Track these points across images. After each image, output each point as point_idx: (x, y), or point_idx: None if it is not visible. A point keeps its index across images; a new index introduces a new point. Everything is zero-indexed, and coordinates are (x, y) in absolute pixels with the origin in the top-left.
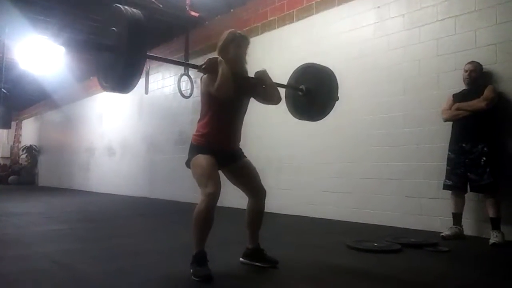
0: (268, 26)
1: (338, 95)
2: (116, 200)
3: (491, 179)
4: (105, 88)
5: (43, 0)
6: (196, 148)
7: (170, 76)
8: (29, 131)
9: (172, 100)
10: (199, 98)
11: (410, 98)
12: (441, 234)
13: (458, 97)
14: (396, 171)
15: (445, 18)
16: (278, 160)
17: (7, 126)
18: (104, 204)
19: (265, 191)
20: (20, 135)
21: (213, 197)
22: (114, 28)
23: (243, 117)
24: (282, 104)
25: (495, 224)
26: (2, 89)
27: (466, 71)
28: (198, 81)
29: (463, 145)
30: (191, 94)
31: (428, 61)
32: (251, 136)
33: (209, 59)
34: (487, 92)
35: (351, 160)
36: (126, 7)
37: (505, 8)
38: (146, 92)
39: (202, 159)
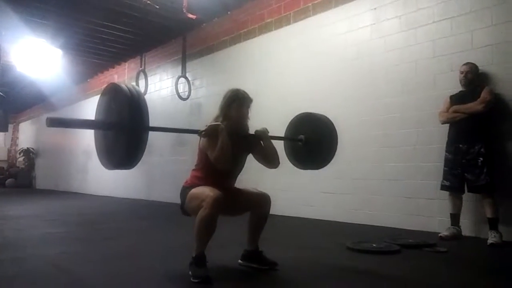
0: (265, 28)
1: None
2: (114, 202)
3: (488, 180)
4: (108, 167)
5: (40, 2)
6: (188, 188)
7: (168, 78)
8: (26, 134)
9: (169, 102)
10: (196, 100)
11: (407, 99)
12: (439, 234)
13: (455, 99)
14: (394, 172)
15: (442, 20)
16: None
17: (4, 129)
18: (101, 206)
19: (268, 196)
20: (17, 138)
21: (216, 202)
22: (112, 105)
23: (239, 173)
24: (281, 106)
25: (493, 224)
26: None
27: (462, 72)
28: (196, 83)
29: (460, 145)
30: (188, 96)
31: (424, 62)
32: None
33: (210, 125)
34: (484, 94)
35: (349, 161)
36: (123, 84)
37: (501, 9)
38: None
39: (197, 188)
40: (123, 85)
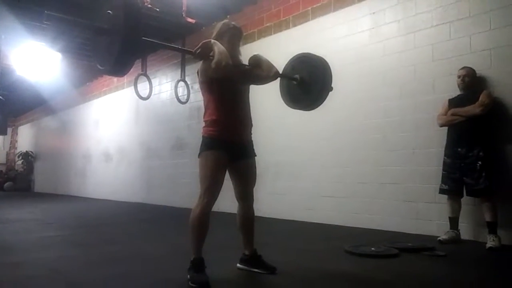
0: (265, 32)
1: (332, 85)
2: (113, 206)
3: (487, 183)
4: (102, 71)
5: (39, 6)
6: (208, 141)
7: (167, 82)
8: (25, 137)
9: (168, 105)
10: (195, 104)
11: (406, 103)
12: (438, 238)
13: (454, 102)
14: (393, 175)
15: (440, 24)
16: (276, 165)
17: (3, 132)
18: (100, 210)
19: (252, 199)
20: (16, 141)
21: (207, 205)
22: (109, 11)
23: (248, 101)
24: (280, 108)
25: (492, 228)
26: None
27: (459, 76)
28: (195, 86)
29: (459, 149)
30: (187, 99)
31: (423, 66)
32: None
33: (203, 42)
34: (483, 98)
35: (348, 165)
36: None
37: (499, 13)
38: (148, 98)
39: (210, 159)
40: None
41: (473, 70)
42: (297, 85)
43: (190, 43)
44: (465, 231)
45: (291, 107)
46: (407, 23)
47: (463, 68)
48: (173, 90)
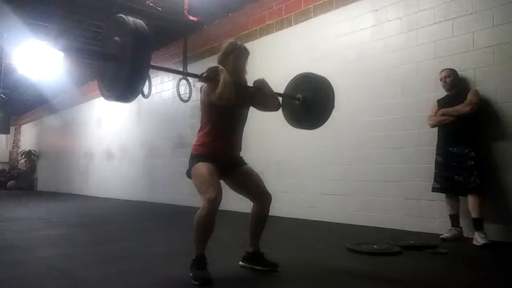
0: (266, 30)
1: (334, 103)
2: (115, 204)
3: (477, 182)
4: (108, 98)
5: (42, 5)
6: (196, 156)
7: (169, 80)
8: (28, 136)
9: (170, 104)
10: (198, 102)
11: (408, 100)
12: (441, 236)
13: (442, 103)
14: (395, 173)
15: (443, 21)
16: (277, 163)
17: (5, 131)
18: (103, 208)
19: (270, 195)
20: (19, 140)
21: (214, 202)
22: (117, 38)
23: (243, 127)
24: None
25: (479, 224)
26: (1, 94)
27: (441, 79)
28: (197, 85)
29: (450, 149)
30: (189, 98)
31: (426, 64)
32: (250, 140)
33: (210, 67)
34: (471, 96)
35: (350, 163)
36: (129, 17)
37: (502, 10)
38: (147, 96)
39: (202, 167)
40: (129, 19)
41: (454, 70)
42: (299, 105)
43: (192, 41)
44: (468, 229)
45: (294, 126)
46: (409, 20)
47: (443, 70)
48: (175, 89)
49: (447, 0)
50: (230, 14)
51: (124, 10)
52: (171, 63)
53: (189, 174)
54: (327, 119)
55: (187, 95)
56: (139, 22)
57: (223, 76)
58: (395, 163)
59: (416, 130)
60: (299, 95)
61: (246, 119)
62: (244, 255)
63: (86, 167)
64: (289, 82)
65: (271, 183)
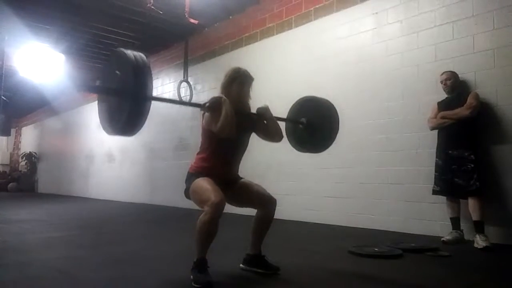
0: (267, 33)
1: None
2: (116, 206)
3: (477, 185)
4: (110, 133)
5: (43, 7)
6: (194, 174)
7: (170, 82)
8: (29, 138)
9: (171, 106)
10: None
11: (409, 103)
12: (442, 239)
13: (442, 105)
14: (396, 176)
15: (443, 24)
16: (278, 165)
17: (6, 133)
18: (104, 210)
19: (274, 199)
20: (20, 142)
21: (217, 207)
22: (117, 72)
23: (243, 153)
24: (283, 110)
25: (480, 227)
26: (2, 96)
27: (441, 81)
28: (198, 87)
29: (449, 151)
30: (190, 100)
31: (426, 66)
32: (251, 142)
33: (213, 97)
34: (471, 100)
35: (351, 165)
36: (129, 51)
37: (503, 13)
38: None
39: (201, 180)
40: (129, 52)
41: (454, 73)
42: (304, 129)
43: (192, 44)
44: (470, 232)
45: (299, 150)
46: (410, 23)
47: (444, 72)
48: (176, 91)
49: (447, 3)
50: (230, 17)
51: (125, 13)
52: (172, 66)
53: (187, 193)
54: (332, 143)
55: (188, 97)
56: (139, 55)
57: (225, 109)
58: (396, 165)
59: (416, 132)
60: (303, 119)
61: (247, 146)
62: (245, 258)
63: (87, 169)
64: (293, 106)
65: (272, 186)
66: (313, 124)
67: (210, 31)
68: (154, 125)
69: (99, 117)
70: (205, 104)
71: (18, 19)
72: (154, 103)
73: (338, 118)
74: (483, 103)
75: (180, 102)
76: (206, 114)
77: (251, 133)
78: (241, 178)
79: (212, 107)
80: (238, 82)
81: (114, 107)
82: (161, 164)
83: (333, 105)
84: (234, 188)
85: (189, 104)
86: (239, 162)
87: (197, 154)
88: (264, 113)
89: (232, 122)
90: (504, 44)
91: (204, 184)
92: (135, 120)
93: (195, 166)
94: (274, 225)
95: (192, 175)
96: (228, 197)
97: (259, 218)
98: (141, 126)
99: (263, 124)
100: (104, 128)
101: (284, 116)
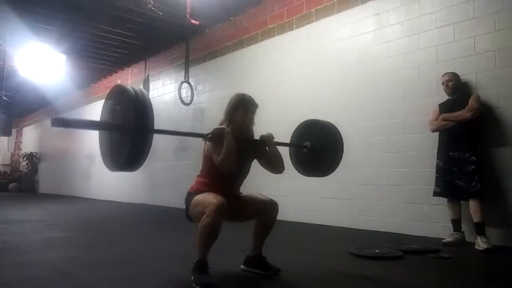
0: (268, 34)
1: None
2: (117, 207)
3: (478, 187)
4: (112, 169)
5: (44, 8)
6: (194, 192)
7: (171, 83)
8: (30, 138)
9: (172, 107)
10: (199, 105)
11: (410, 105)
12: (443, 240)
13: (444, 107)
14: (397, 177)
15: (444, 25)
16: None
17: (7, 133)
18: (104, 211)
19: (275, 203)
20: (21, 142)
21: (219, 209)
22: (118, 107)
23: (244, 179)
24: (284, 111)
25: (481, 229)
26: (3, 97)
27: (443, 83)
28: (199, 88)
29: (451, 153)
30: (191, 101)
31: (427, 68)
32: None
33: (216, 129)
34: (472, 102)
35: (352, 167)
36: (129, 86)
37: (504, 14)
38: None
39: (201, 195)
40: (128, 87)
41: (456, 74)
42: (308, 153)
43: (193, 45)
44: (471, 233)
45: (302, 174)
46: (411, 24)
47: (446, 74)
48: (177, 92)
49: (448, 5)
50: (232, 18)
51: (126, 13)
52: (173, 66)
53: (188, 213)
54: (337, 167)
55: (189, 98)
56: (139, 90)
57: (227, 143)
58: (397, 167)
59: (417, 134)
60: (307, 143)
61: (248, 172)
62: (245, 259)
63: (87, 170)
64: (296, 129)
65: (272, 186)
66: (318, 148)
67: (211, 32)
68: (155, 126)
69: (101, 153)
70: (207, 135)
71: (19, 20)
72: (153, 105)
73: (342, 141)
74: (484, 104)
75: (184, 133)
76: (208, 143)
77: (253, 159)
78: (240, 192)
79: (214, 139)
80: (242, 109)
81: (115, 143)
82: (162, 165)
83: (337, 128)
84: (234, 204)
85: (191, 134)
86: (239, 186)
87: (197, 176)
88: (267, 140)
89: (233, 158)
90: (505, 45)
91: (204, 195)
92: (137, 155)
93: (195, 188)
94: (275, 226)
95: (191, 194)
96: (230, 215)
97: (261, 222)
98: (143, 161)
99: (266, 152)
100: (106, 165)
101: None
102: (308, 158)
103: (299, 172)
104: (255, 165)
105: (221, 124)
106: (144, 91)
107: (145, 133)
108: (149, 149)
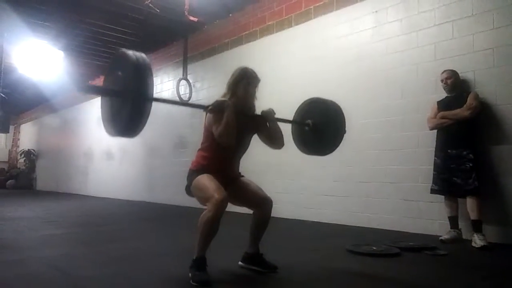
0: (267, 31)
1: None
2: (115, 204)
3: (476, 184)
4: (112, 134)
5: (41, 4)
6: (195, 171)
7: (169, 80)
8: (27, 135)
9: (171, 104)
10: (197, 102)
11: (408, 102)
12: (440, 238)
13: (442, 105)
14: (394, 174)
15: (443, 23)
16: (277, 164)
17: (5, 130)
18: (102, 208)
19: (270, 200)
20: (18, 139)
21: (221, 204)
22: (119, 73)
23: (244, 153)
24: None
25: (478, 226)
26: (1, 94)
27: (442, 80)
28: (197, 85)
29: (449, 151)
30: (189, 98)
31: (426, 66)
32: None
33: (217, 101)
34: (470, 100)
35: (349, 164)
36: (131, 51)
37: (502, 12)
38: None
39: (203, 177)
40: (131, 54)
41: (455, 72)
42: (310, 131)
43: (192, 42)
44: (468, 231)
45: (305, 153)
46: (409, 21)
47: (445, 71)
48: (175, 89)
49: (447, 2)
50: (230, 15)
51: (124, 10)
52: (171, 63)
53: (188, 190)
54: (338, 145)
55: (187, 95)
56: (140, 55)
57: (226, 116)
58: (395, 164)
59: (415, 131)
60: (309, 121)
61: (248, 146)
62: (243, 256)
63: (85, 167)
64: (299, 107)
65: (270, 184)
66: (319, 126)
67: (209, 29)
68: (153, 123)
69: (102, 118)
70: (208, 107)
71: (17, 16)
72: (153, 102)
73: (345, 121)
74: (482, 102)
75: (183, 103)
76: (209, 115)
77: (253, 134)
78: (242, 176)
79: (215, 110)
80: (245, 82)
81: (116, 109)
82: (160, 162)
83: (339, 107)
84: (233, 185)
85: (192, 105)
86: (239, 160)
87: (198, 150)
88: (268, 115)
89: (232, 131)
90: (503, 43)
91: (206, 181)
92: (136, 121)
93: (196, 163)
94: (273, 224)
95: (193, 172)
96: (229, 195)
97: (256, 218)
98: (142, 127)
99: (266, 127)
100: (107, 130)
101: (286, 116)
102: (310, 136)
103: (300, 150)
104: (252, 163)
105: (223, 97)
106: (146, 58)
107: (144, 99)
108: (148, 116)
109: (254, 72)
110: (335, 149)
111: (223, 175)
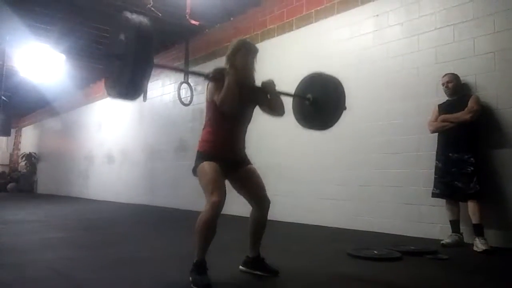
0: (268, 34)
1: (346, 104)
2: (116, 207)
3: (477, 188)
4: (113, 96)
5: (43, 8)
6: (202, 154)
7: (170, 84)
8: (29, 139)
9: (172, 107)
10: (198, 106)
11: (409, 106)
12: (441, 242)
13: (443, 108)
14: (396, 178)
15: (444, 27)
16: (278, 167)
17: (6, 133)
18: (103, 211)
19: (269, 200)
20: (20, 142)
21: (218, 206)
22: (121, 37)
23: (248, 125)
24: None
25: (479, 230)
26: (2, 97)
27: (443, 84)
28: (198, 88)
29: (450, 154)
30: (191, 101)
31: (426, 69)
32: (250, 143)
33: (216, 68)
34: (471, 104)
35: (351, 168)
36: (133, 15)
37: (503, 16)
38: (144, 99)
39: (208, 166)
40: (133, 16)
41: (456, 76)
42: (310, 105)
43: (193, 45)
44: (469, 235)
45: (304, 127)
46: (410, 25)
47: (446, 75)
48: (176, 92)
49: (448, 6)
50: (231, 18)
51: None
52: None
53: (194, 171)
54: (338, 119)
55: (188, 98)
56: (143, 19)
57: (227, 81)
58: (396, 168)
59: (416, 135)
60: (309, 95)
61: (251, 118)
62: (244, 260)
63: (86, 170)
64: (300, 82)
65: (271, 187)
66: (319, 100)
67: (211, 33)
68: (154, 126)
69: (104, 82)
70: (208, 74)
71: (19, 20)
72: (153, 105)
73: (344, 94)
74: (483, 106)
75: (181, 69)
76: (210, 85)
77: (255, 106)
78: (250, 163)
79: (215, 77)
80: (243, 53)
81: (117, 72)
82: (161, 165)
83: (340, 82)
84: (239, 171)
85: (192, 73)
86: (244, 135)
87: (203, 129)
88: (268, 86)
89: (234, 95)
90: (504, 47)
91: (209, 171)
92: (136, 83)
93: (202, 141)
94: (274, 227)
95: (199, 155)
96: (231, 179)
97: (253, 220)
98: (142, 90)
99: (267, 98)
100: (109, 93)
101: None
102: (310, 110)
103: (300, 124)
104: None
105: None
106: (147, 21)
107: (145, 63)
108: (148, 78)
109: (252, 43)
110: (334, 123)
111: (229, 156)
